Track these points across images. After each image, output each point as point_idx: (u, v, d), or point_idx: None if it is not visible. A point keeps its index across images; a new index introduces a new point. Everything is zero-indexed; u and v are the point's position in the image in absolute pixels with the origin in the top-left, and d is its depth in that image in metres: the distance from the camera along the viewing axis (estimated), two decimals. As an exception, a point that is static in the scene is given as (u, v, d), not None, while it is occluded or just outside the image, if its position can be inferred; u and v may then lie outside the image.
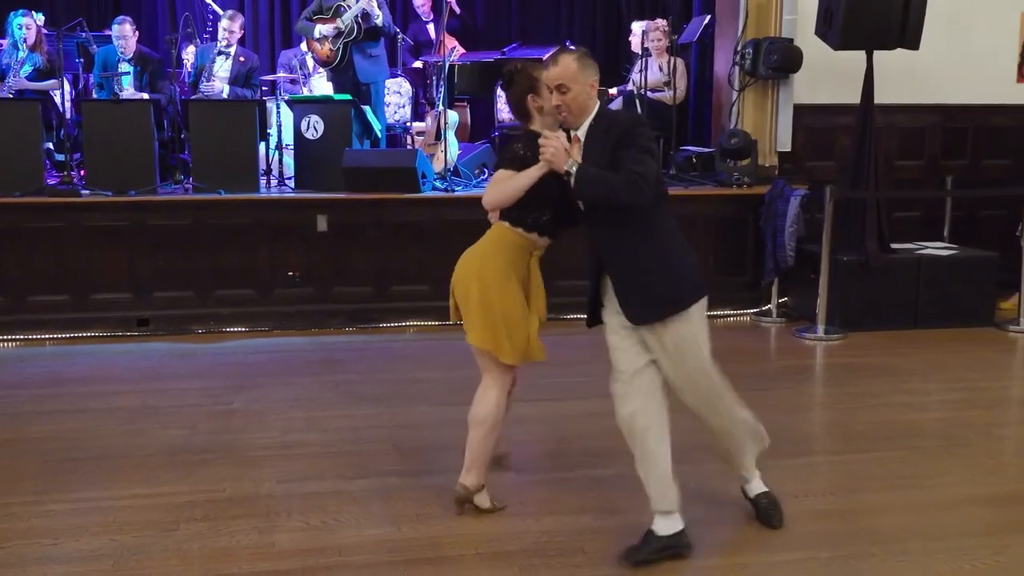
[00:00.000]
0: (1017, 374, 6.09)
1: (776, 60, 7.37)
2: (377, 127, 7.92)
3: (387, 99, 8.77)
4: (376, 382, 5.60)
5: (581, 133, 3.52)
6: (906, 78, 7.54)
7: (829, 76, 7.47)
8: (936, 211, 7.79)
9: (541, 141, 3.44)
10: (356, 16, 7.80)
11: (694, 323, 3.50)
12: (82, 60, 8.06)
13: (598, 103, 3.55)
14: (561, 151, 3.39)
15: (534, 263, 3.83)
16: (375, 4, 7.83)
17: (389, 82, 8.76)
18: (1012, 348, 6.49)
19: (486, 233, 3.85)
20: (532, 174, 3.54)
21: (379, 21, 7.89)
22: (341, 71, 8.05)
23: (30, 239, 6.58)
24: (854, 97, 6.95)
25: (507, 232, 3.77)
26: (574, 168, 3.36)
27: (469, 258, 3.88)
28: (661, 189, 3.48)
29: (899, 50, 6.74)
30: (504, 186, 3.65)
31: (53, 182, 7.06)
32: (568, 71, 3.44)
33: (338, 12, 7.87)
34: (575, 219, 3.68)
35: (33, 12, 8.26)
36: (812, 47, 7.18)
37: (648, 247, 3.47)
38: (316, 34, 7.95)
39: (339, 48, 7.91)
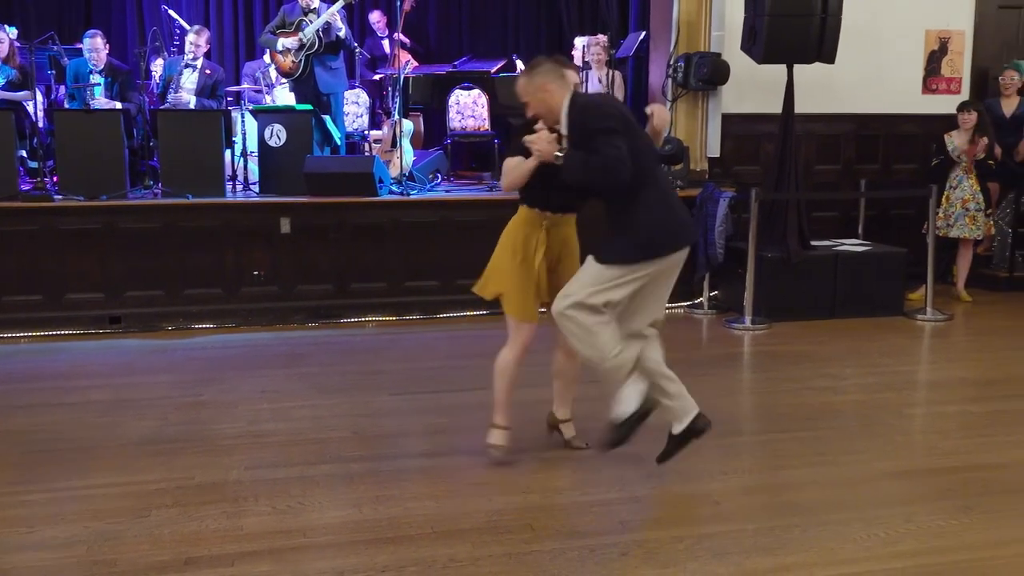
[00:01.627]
0: (925, 359, 6.21)
1: (705, 73, 7.43)
2: (336, 135, 7.86)
3: (346, 109, 8.70)
4: (338, 374, 5.56)
5: (563, 128, 3.71)
6: (823, 90, 7.64)
7: (754, 88, 7.55)
8: (851, 211, 7.91)
9: (527, 139, 3.74)
10: (318, 29, 7.73)
11: (599, 267, 3.71)
12: (54, 72, 7.88)
13: (564, 98, 3.73)
14: (545, 145, 3.69)
15: (554, 234, 3.98)
16: (339, 18, 7.77)
17: (348, 93, 8.69)
18: (920, 335, 6.62)
19: None
20: (530, 165, 3.79)
21: (341, 33, 7.83)
22: (303, 82, 7.97)
23: (5, 243, 6.43)
24: (776, 107, 7.04)
25: (521, 208, 4.02)
26: (561, 159, 3.64)
27: None
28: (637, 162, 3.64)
29: (817, 64, 6.83)
30: (512, 173, 3.90)
31: (27, 188, 6.90)
32: (520, 91, 3.78)
33: (300, 27, 7.80)
34: (571, 196, 3.93)
35: (6, 26, 8.07)
36: (738, 61, 7.25)
37: (610, 212, 3.75)
38: (279, 47, 7.86)
39: (301, 60, 7.83)
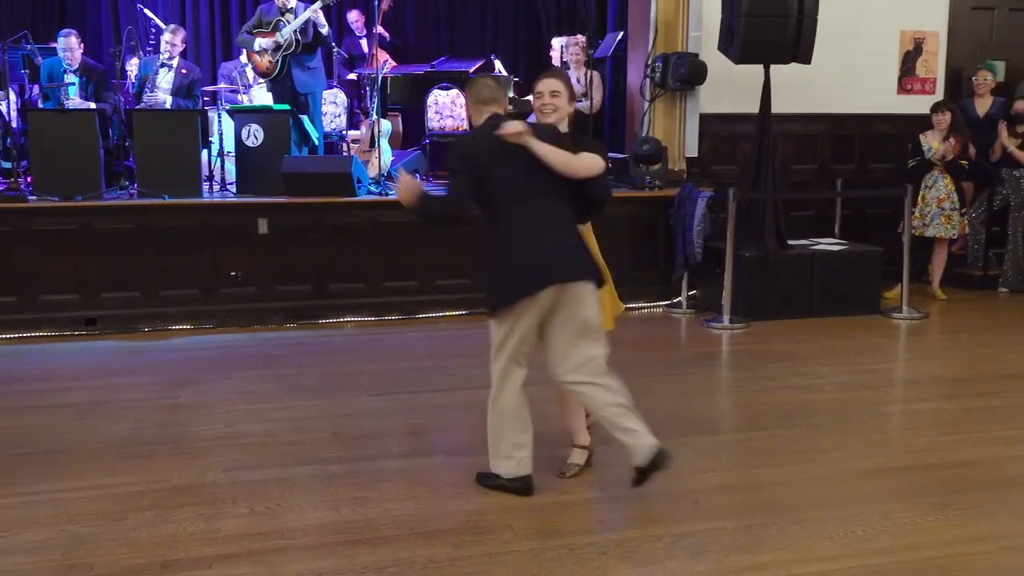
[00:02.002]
0: (901, 357, 6.26)
1: (683, 73, 7.45)
2: (314, 135, 7.83)
3: (324, 109, 8.67)
4: (316, 375, 5.54)
5: None
6: (799, 90, 7.67)
7: (731, 88, 7.58)
8: (828, 210, 7.95)
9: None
10: (295, 30, 7.70)
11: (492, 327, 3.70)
12: (27, 71, 7.81)
13: (479, 121, 3.83)
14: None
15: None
16: (322, 16, 7.74)
17: (325, 93, 8.66)
18: (896, 333, 6.67)
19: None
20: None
21: (324, 31, 7.80)
22: (280, 82, 7.94)
23: (-22, 243, 6.37)
24: (753, 107, 7.07)
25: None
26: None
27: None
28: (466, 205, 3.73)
29: (793, 64, 6.87)
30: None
31: (0, 189, 6.83)
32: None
33: (277, 27, 7.76)
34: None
35: (-22, 26, 7.99)
36: (715, 61, 7.28)
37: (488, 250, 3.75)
38: (256, 47, 7.82)
39: (278, 60, 7.80)
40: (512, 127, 3.60)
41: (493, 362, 3.71)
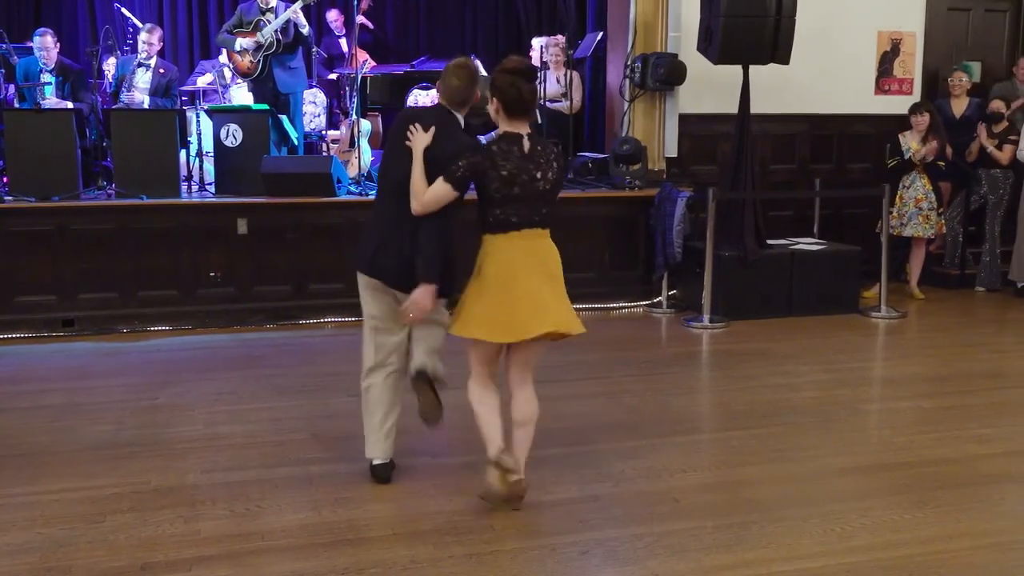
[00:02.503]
0: (880, 356, 6.31)
1: (663, 73, 7.48)
2: (293, 135, 7.79)
3: (303, 108, 8.63)
4: (296, 375, 5.52)
5: None
6: (778, 90, 7.72)
7: (710, 88, 7.61)
8: (806, 210, 8.00)
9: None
10: (276, 30, 7.66)
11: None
12: (3, 71, 7.72)
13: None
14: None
15: None
16: (301, 16, 7.70)
17: (305, 93, 8.62)
18: (875, 332, 6.71)
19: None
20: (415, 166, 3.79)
21: (305, 31, 7.77)
22: (261, 82, 7.90)
23: (-46, 244, 6.30)
24: (732, 107, 7.09)
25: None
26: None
27: None
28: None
29: (772, 65, 6.90)
30: None
31: (-25, 189, 6.77)
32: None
33: (258, 26, 7.72)
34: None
35: (-47, 24, 7.90)
36: (694, 62, 7.30)
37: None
38: (237, 47, 7.77)
39: (259, 60, 7.76)
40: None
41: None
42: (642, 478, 3.98)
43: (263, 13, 7.73)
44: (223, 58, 8.88)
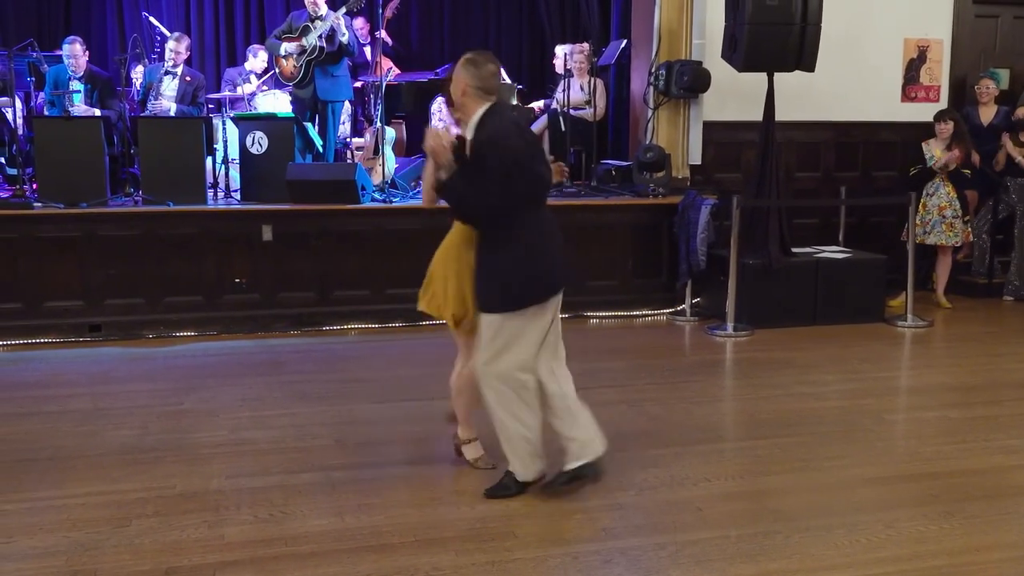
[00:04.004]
0: (905, 365, 6.25)
1: (687, 81, 7.46)
2: (318, 142, 7.84)
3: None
4: (319, 382, 5.54)
5: (468, 133, 3.65)
6: (803, 98, 7.69)
7: (734, 96, 7.59)
8: (831, 218, 7.95)
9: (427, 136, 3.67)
10: (320, 35, 7.73)
11: (485, 325, 3.69)
12: (33, 79, 7.83)
13: (481, 107, 3.63)
14: (437, 142, 3.58)
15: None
16: (342, 24, 7.77)
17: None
18: (901, 341, 6.65)
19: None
20: (428, 169, 3.74)
21: (344, 39, 7.83)
22: (303, 88, 7.97)
23: (-17, 250, 6.39)
24: (757, 115, 7.07)
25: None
26: (444, 175, 3.59)
27: None
28: (508, 200, 3.58)
29: (797, 72, 6.87)
30: (424, 184, 3.84)
31: (6, 195, 6.85)
32: (453, 71, 3.67)
33: (306, 32, 7.81)
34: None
35: (-16, 33, 8.03)
36: (719, 69, 7.28)
37: (483, 252, 3.68)
38: (281, 51, 7.87)
39: (302, 65, 7.83)
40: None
41: (490, 361, 3.69)
42: (665, 487, 3.96)
43: (312, 20, 7.82)
44: (249, 65, 8.97)
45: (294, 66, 7.82)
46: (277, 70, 8.13)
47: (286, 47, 7.82)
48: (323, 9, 7.81)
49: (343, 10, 7.75)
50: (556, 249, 3.76)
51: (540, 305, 3.66)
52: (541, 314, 3.67)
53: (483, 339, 3.70)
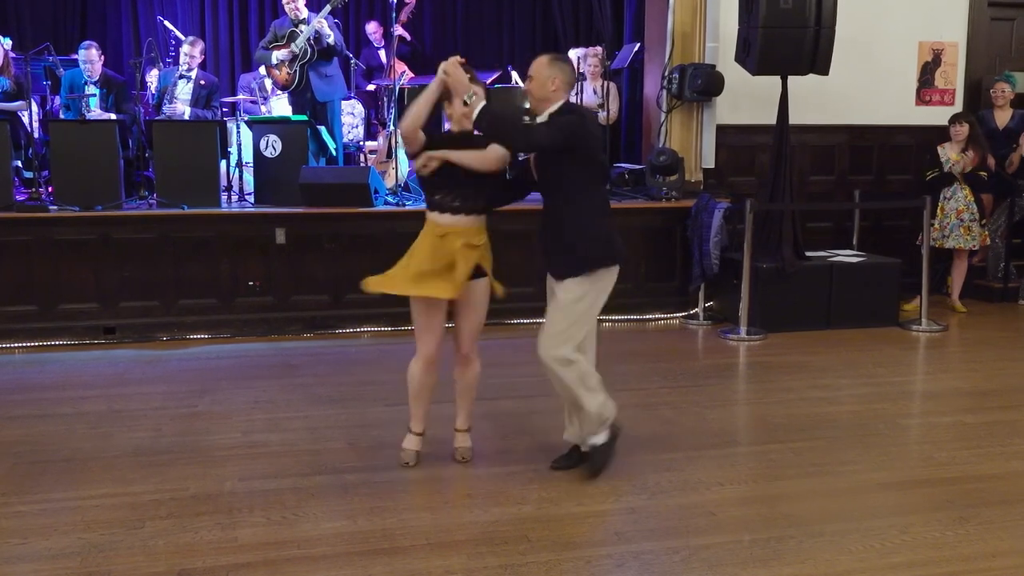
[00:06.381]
0: (920, 370, 6.22)
1: (700, 84, 7.45)
2: (332, 145, 7.86)
3: (341, 120, 8.71)
4: (333, 384, 5.55)
5: (541, 120, 3.89)
6: (817, 101, 7.67)
7: (748, 99, 7.58)
8: (845, 222, 7.93)
9: (443, 65, 3.81)
10: (308, 38, 7.75)
11: (567, 293, 3.87)
12: (49, 83, 7.89)
13: (562, 99, 3.90)
14: (458, 71, 3.75)
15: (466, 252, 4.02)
16: (325, 25, 7.79)
17: (344, 104, 8.70)
18: (915, 346, 6.62)
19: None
20: (432, 88, 3.87)
21: (331, 40, 7.85)
22: (300, 93, 8.00)
23: (-1, 252, 6.43)
24: (771, 118, 7.05)
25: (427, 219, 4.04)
26: (472, 98, 3.70)
27: None
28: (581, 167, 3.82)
29: (811, 75, 6.85)
30: (413, 104, 3.93)
31: (22, 198, 6.89)
32: (536, 64, 3.88)
33: (292, 38, 7.82)
34: (493, 200, 4.02)
35: (1, 37, 8.07)
36: (732, 72, 7.27)
37: (570, 216, 3.84)
38: (274, 60, 7.89)
39: (296, 71, 7.85)
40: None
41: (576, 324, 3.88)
42: (678, 491, 3.95)
43: (295, 25, 7.83)
44: (262, 70, 9.00)
45: (288, 73, 7.85)
46: (272, 79, 8.16)
47: (277, 55, 7.84)
48: (304, 12, 7.84)
49: (326, 10, 7.76)
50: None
51: (611, 274, 3.93)
52: (608, 288, 3.95)
53: (559, 314, 3.87)
